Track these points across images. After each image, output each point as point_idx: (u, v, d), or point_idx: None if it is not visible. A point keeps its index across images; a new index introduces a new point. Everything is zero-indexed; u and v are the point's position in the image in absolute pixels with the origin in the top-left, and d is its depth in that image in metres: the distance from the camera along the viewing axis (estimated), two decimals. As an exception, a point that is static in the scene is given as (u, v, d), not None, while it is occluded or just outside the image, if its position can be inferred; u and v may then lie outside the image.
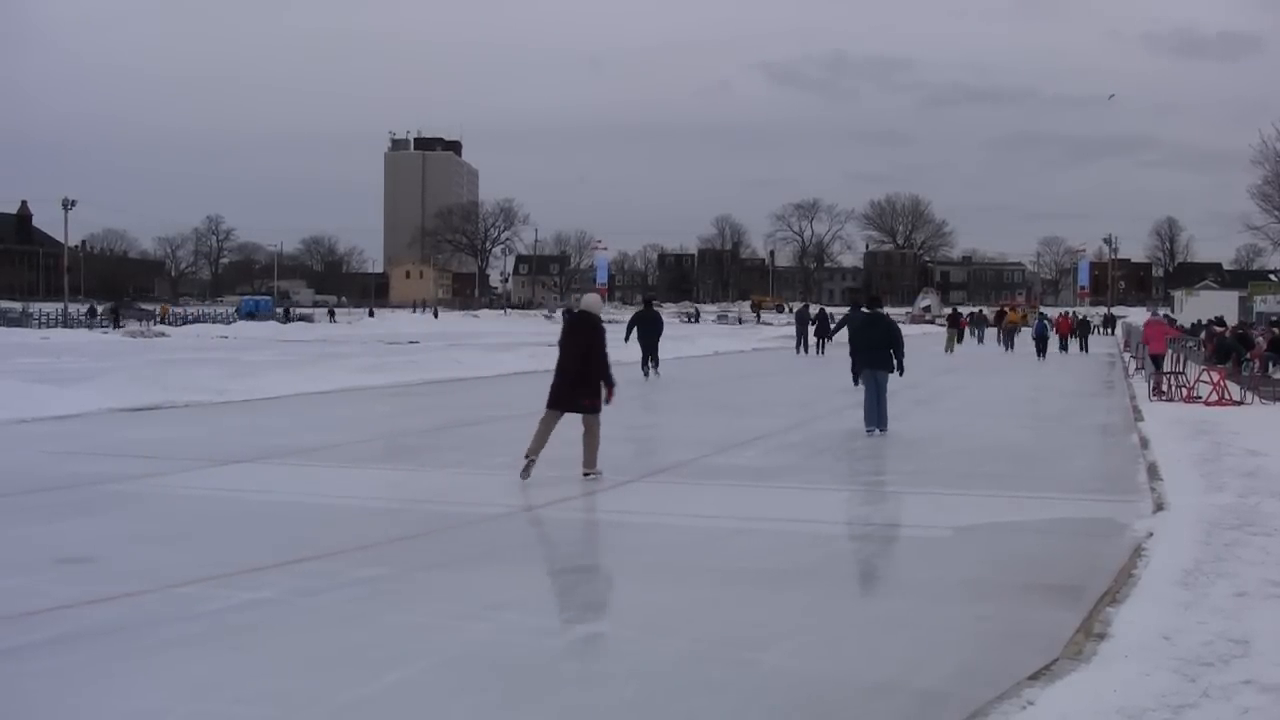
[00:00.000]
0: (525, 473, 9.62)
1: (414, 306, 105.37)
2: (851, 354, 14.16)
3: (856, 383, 14.11)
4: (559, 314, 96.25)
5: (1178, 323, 42.19)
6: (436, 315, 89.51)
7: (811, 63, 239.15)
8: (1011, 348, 38.36)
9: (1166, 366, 21.28)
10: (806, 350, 34.46)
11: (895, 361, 13.65)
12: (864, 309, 15.88)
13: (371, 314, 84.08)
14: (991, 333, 47.63)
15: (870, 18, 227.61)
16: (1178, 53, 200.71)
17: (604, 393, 9.98)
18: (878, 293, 17.01)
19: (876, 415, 13.54)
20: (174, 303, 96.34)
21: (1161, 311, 46.43)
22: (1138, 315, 67.86)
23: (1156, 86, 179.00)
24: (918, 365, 17.91)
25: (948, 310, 59.36)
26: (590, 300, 10.56)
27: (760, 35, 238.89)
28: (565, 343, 10.20)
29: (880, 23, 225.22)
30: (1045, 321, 37.95)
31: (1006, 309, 57.00)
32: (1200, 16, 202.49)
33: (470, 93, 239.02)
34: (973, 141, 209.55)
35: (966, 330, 47.16)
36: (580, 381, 9.91)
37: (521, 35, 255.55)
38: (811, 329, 35.23)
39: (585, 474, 9.84)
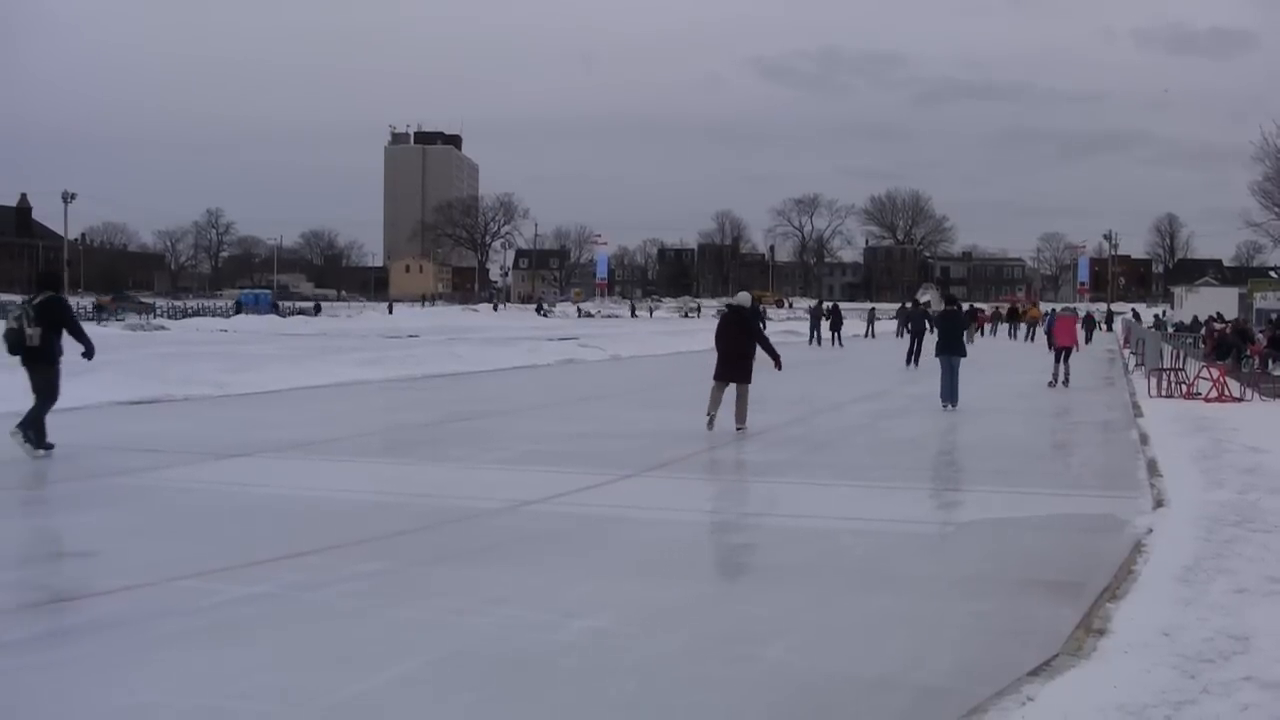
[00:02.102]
0: (710, 425, 12.39)
1: (422, 301, 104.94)
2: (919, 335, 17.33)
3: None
4: (538, 310, 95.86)
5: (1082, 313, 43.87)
6: (391, 310, 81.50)
7: (803, 58, 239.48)
8: (1032, 340, 41.45)
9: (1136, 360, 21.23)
10: (820, 343, 35.24)
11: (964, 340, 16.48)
12: (942, 304, 18.17)
13: (318, 309, 75.74)
14: (1015, 329, 49.41)
15: (860, 13, 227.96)
16: (1170, 49, 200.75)
17: (775, 362, 12.92)
18: (954, 292, 18.83)
19: (950, 392, 15.82)
20: (172, 295, 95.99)
21: (1081, 308, 49.18)
22: (1141, 311, 67.90)
23: (1149, 82, 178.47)
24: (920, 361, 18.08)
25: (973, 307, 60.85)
26: (742, 297, 13.43)
27: (751, 30, 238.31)
28: (725, 333, 12.94)
29: (871, 18, 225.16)
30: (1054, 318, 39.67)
31: (1021, 306, 58.01)
32: (1191, 12, 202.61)
33: (470, 87, 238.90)
34: (968, 137, 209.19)
35: (986, 326, 48.60)
36: (739, 361, 12.69)
37: (519, 29, 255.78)
38: (826, 323, 36.15)
39: (737, 429, 12.40)
